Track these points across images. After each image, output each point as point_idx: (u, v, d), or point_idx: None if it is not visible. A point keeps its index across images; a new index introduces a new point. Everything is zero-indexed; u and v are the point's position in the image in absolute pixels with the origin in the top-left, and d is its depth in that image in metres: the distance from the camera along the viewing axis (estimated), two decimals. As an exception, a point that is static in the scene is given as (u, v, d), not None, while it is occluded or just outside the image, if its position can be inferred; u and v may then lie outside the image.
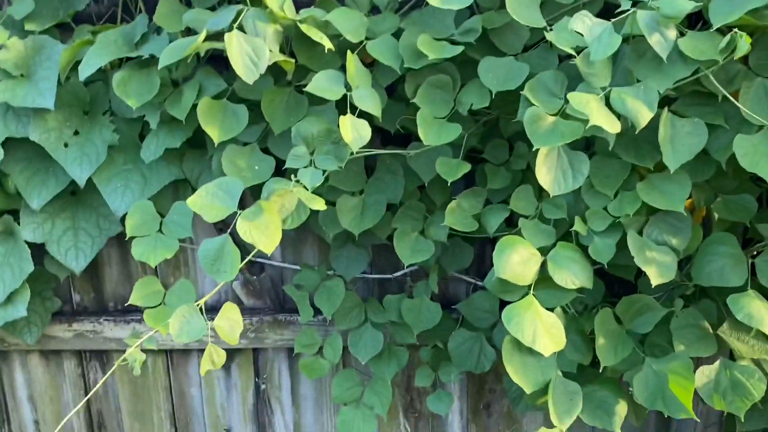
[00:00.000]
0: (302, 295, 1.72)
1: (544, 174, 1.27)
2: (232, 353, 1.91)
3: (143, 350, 1.92)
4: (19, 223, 1.63)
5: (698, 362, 1.40)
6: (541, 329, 1.28)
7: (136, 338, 1.36)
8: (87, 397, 1.74)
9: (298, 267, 1.80)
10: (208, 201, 1.28)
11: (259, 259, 1.83)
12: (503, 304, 1.39)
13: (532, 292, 1.34)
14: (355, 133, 1.26)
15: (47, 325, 1.81)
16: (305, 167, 1.33)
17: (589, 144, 1.45)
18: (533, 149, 1.23)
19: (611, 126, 1.18)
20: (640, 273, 1.54)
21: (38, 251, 1.69)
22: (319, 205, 1.27)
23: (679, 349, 1.36)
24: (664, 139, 1.25)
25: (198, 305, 1.31)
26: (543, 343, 1.27)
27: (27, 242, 1.63)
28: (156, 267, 1.82)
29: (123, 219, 1.56)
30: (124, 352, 1.90)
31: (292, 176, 1.32)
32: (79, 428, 2.01)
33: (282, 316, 1.84)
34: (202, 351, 1.92)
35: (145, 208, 1.50)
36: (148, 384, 1.95)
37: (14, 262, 1.63)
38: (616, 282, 1.62)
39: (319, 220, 1.58)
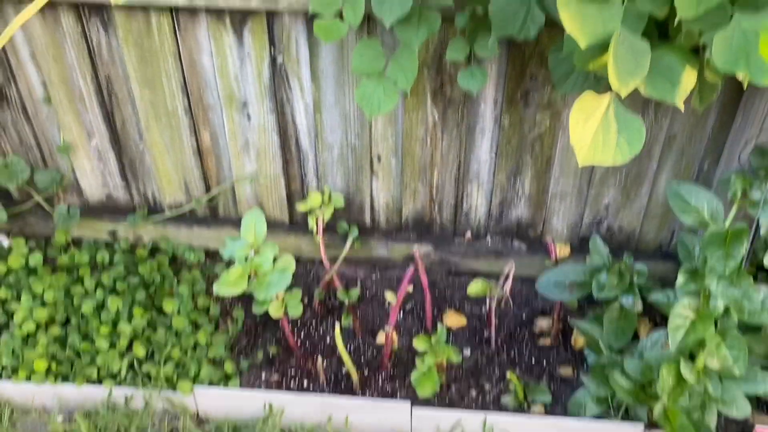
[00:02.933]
0: (318, -63, 1.42)
1: None
2: (243, 16, 1.69)
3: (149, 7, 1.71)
4: None
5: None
6: (611, -44, 0.99)
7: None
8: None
9: None
10: None
11: None
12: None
13: None
14: None
15: (31, -35, 1.59)
16: None
17: None
18: None
19: None
20: None
21: None
22: None
23: (781, 5, 1.08)
24: None
25: None
26: (612, -27, 0.99)
27: None
28: None
29: None
30: (126, 9, 1.71)
31: None
32: (89, 94, 1.90)
33: (298, -29, 1.57)
34: (210, 12, 1.71)
35: None
36: (155, 48, 1.78)
37: None
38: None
39: None
